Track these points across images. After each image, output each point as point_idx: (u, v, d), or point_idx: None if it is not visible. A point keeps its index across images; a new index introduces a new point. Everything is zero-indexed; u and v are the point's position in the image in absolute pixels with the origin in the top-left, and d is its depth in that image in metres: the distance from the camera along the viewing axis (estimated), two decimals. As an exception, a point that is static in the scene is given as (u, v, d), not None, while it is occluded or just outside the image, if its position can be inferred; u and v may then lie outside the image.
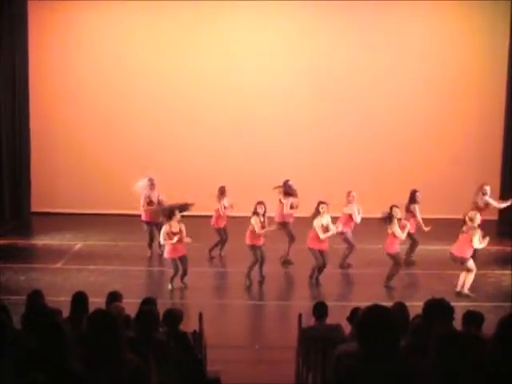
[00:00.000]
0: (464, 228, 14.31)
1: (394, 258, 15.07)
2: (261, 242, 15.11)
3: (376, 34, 20.87)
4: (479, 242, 14.29)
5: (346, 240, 16.49)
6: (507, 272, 15.92)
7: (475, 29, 20.80)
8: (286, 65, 20.93)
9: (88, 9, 20.75)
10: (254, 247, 15.07)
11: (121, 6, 20.71)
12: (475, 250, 15.64)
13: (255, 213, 15.03)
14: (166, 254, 14.95)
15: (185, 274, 14.79)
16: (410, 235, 16.17)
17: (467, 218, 14.34)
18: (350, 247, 16.50)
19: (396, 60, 20.88)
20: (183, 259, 14.72)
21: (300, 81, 20.91)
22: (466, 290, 14.43)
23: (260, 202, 15.06)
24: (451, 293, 13.93)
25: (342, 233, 16.34)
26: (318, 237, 15.09)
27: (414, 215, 16.40)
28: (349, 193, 16.40)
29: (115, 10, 20.85)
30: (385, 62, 20.88)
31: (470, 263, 14.42)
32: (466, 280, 14.47)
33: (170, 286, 14.72)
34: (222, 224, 16.96)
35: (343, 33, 20.86)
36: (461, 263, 14.46)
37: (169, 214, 14.73)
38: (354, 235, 16.43)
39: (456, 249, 14.48)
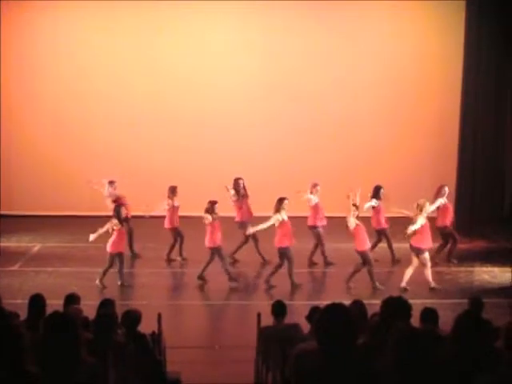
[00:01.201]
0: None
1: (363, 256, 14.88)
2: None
3: (334, 33, 20.97)
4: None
5: (318, 235, 16.38)
6: (463, 269, 16.13)
7: (430, 29, 20.97)
8: (245, 64, 20.90)
9: (47, 9, 20.53)
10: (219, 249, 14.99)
11: (80, 7, 20.47)
12: (442, 246, 15.88)
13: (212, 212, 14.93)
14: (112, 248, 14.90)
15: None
16: (377, 231, 16.49)
17: (416, 205, 14.41)
18: (321, 244, 16.38)
19: (352, 60, 20.96)
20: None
21: (258, 80, 20.93)
22: (432, 284, 14.61)
23: (215, 202, 15.00)
24: (408, 290, 14.08)
25: (314, 227, 16.33)
26: (287, 234, 14.73)
27: (377, 211, 16.46)
28: (315, 185, 16.33)
29: (74, 12, 20.57)
30: (341, 63, 20.97)
31: (425, 256, 14.51)
32: (426, 275, 14.57)
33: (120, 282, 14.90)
34: (176, 224, 16.73)
35: (302, 32, 20.85)
36: (416, 254, 14.49)
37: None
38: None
39: (414, 239, 14.50)
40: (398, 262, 16.45)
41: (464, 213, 20.56)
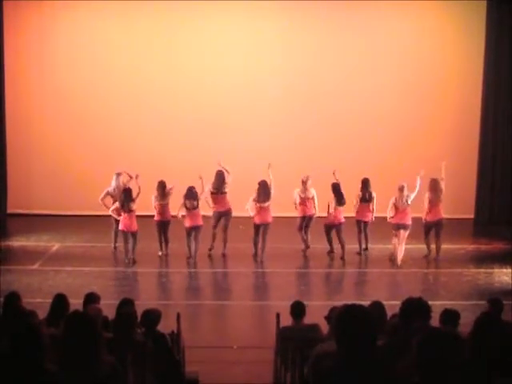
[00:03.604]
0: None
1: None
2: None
3: (351, 33, 20.90)
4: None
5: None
6: (482, 271, 16.06)
7: (451, 29, 20.89)
8: (259, 64, 20.93)
9: (64, 9, 20.65)
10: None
11: (96, 6, 20.59)
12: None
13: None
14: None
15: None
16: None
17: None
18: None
19: (370, 60, 20.92)
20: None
21: (274, 79, 20.87)
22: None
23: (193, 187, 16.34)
24: (427, 291, 14.04)
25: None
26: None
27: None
28: (307, 179, 16.89)
29: (91, 11, 20.70)
30: (359, 62, 20.89)
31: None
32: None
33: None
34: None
35: (321, 32, 20.84)
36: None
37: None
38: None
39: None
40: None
41: (483, 214, 20.51)
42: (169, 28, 20.92)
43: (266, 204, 16.45)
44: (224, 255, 16.95)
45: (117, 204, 16.50)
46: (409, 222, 16.07)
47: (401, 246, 16.01)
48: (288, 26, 20.82)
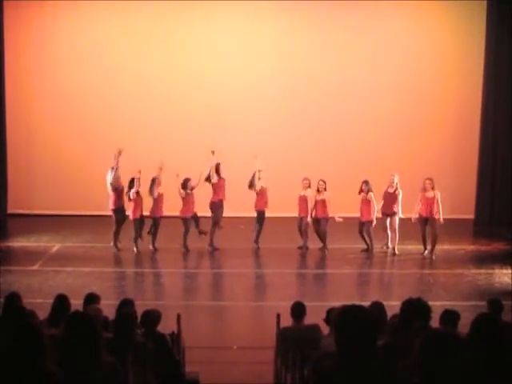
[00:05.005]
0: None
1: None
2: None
3: (351, 33, 20.93)
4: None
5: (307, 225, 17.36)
6: (483, 271, 16.06)
7: (451, 29, 20.90)
8: (259, 64, 20.96)
9: (64, 9, 20.67)
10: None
11: (97, 6, 20.61)
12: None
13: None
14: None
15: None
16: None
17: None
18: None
19: (370, 60, 20.93)
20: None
21: (274, 80, 20.90)
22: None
23: (189, 179, 17.29)
24: (427, 292, 14.03)
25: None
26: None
27: (369, 203, 16.99)
28: (305, 179, 17.18)
29: (91, 11, 20.72)
30: (359, 62, 20.92)
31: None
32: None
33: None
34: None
35: (319, 33, 20.86)
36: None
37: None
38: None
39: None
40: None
41: (484, 214, 20.50)
42: (169, 28, 20.95)
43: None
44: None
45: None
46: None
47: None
48: (287, 26, 20.83)
